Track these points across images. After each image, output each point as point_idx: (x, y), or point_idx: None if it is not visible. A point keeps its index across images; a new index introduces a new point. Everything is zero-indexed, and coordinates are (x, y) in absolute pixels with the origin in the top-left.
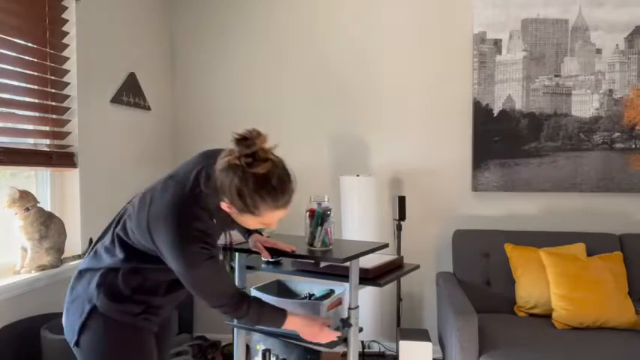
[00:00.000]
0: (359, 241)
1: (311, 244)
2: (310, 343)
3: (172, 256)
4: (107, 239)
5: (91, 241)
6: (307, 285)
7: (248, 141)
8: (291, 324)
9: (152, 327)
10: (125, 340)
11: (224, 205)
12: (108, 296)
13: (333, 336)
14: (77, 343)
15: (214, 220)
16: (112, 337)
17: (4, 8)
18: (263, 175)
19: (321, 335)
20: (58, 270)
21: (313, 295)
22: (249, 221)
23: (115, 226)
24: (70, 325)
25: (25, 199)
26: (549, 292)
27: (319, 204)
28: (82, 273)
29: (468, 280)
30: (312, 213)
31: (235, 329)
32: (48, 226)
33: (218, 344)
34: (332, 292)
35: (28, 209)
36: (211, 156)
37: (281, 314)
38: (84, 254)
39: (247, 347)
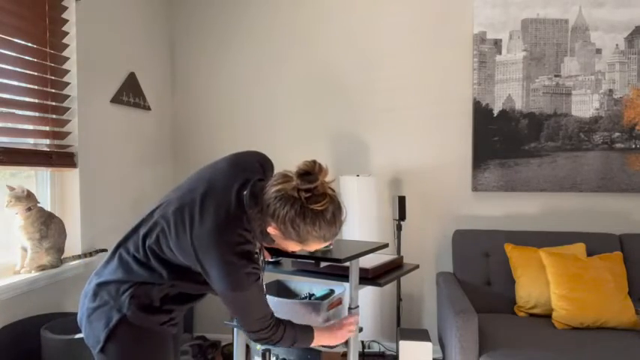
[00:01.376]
0: (359, 241)
1: None
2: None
3: (222, 280)
4: (135, 250)
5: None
6: (307, 285)
7: (311, 176)
8: (319, 339)
9: (173, 330)
10: (151, 347)
11: (270, 229)
12: (140, 308)
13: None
14: (102, 350)
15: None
16: (140, 345)
17: (4, 8)
18: (320, 212)
19: (346, 335)
20: (58, 270)
21: (313, 295)
22: (291, 246)
23: (145, 237)
24: (94, 331)
25: (29, 198)
26: (549, 292)
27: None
28: (108, 282)
29: (468, 280)
30: None
31: (235, 329)
32: (48, 226)
33: (218, 344)
34: (332, 292)
35: (30, 209)
36: (245, 168)
37: (310, 331)
38: (84, 254)
39: (247, 347)
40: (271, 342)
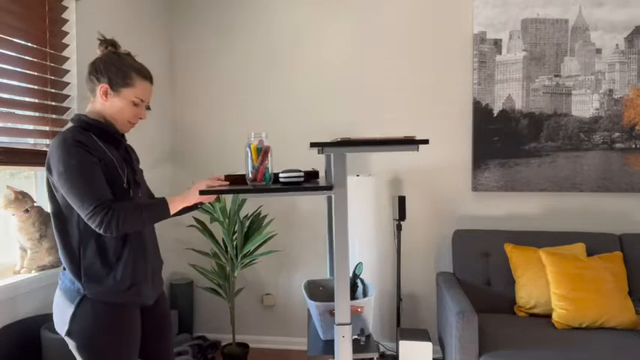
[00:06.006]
0: None
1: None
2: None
3: (55, 159)
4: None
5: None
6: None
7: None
8: (176, 203)
9: (137, 300)
10: (112, 324)
11: (99, 93)
12: (91, 279)
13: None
14: (69, 333)
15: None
16: (99, 323)
17: (4, 8)
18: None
19: (201, 185)
20: (58, 270)
21: None
22: (126, 99)
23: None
24: (62, 315)
25: (22, 200)
26: (549, 292)
27: (261, 140)
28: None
29: (468, 280)
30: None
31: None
32: (47, 225)
33: (218, 344)
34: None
35: (27, 210)
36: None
37: (160, 202)
38: None
39: (247, 346)
40: (123, 226)
